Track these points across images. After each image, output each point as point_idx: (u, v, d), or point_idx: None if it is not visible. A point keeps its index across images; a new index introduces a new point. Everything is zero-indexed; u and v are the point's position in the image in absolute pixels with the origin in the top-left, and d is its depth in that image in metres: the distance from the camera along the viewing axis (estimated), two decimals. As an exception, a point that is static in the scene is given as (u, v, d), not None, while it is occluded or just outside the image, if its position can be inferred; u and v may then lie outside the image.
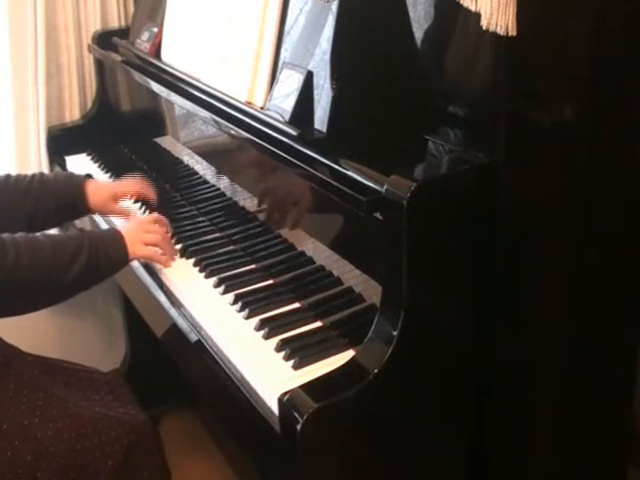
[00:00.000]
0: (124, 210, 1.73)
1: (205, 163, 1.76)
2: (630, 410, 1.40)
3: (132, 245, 1.48)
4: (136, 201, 1.81)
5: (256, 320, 1.34)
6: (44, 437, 1.40)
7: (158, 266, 1.56)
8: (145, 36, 1.96)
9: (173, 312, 1.48)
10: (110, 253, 1.45)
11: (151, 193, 1.74)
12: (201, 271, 1.52)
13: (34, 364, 1.54)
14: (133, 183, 1.76)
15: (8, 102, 2.21)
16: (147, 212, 1.78)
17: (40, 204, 1.64)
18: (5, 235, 1.38)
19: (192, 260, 1.56)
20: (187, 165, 1.86)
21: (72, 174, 1.80)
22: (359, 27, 1.30)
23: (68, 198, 1.67)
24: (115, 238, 1.48)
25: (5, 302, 1.38)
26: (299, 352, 1.24)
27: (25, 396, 1.42)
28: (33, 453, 1.38)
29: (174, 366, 1.60)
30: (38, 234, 1.45)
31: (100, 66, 2.23)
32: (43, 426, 1.41)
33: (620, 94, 1.20)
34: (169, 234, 1.61)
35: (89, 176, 1.77)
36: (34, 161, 2.23)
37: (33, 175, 1.70)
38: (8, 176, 1.68)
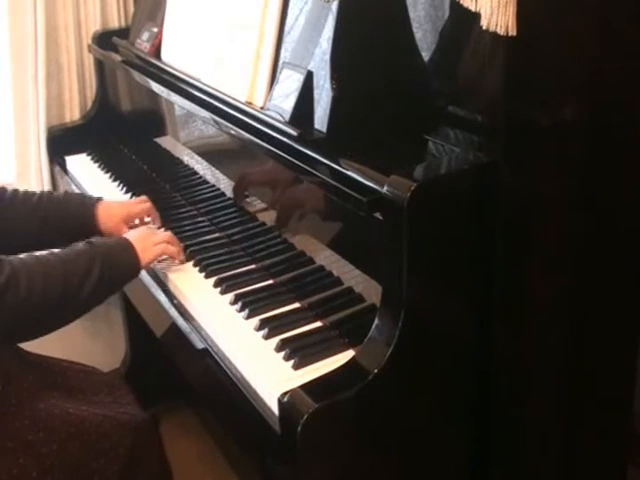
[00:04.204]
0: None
1: (205, 163, 1.76)
2: (630, 410, 1.40)
3: (143, 251, 1.46)
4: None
5: (256, 320, 1.34)
6: (49, 452, 1.39)
7: (158, 266, 1.56)
8: (145, 36, 1.97)
9: (173, 312, 1.48)
10: (122, 265, 1.44)
11: (156, 216, 1.72)
12: (201, 271, 1.52)
13: (33, 371, 1.53)
14: (145, 208, 1.71)
15: (8, 102, 2.21)
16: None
17: (48, 225, 1.62)
18: (15, 259, 1.35)
19: (192, 260, 1.56)
20: (187, 165, 1.86)
21: (83, 196, 1.75)
22: (359, 27, 1.30)
23: (78, 222, 1.64)
24: (125, 248, 1.45)
25: (23, 327, 1.36)
26: (299, 352, 1.24)
27: (27, 410, 1.41)
28: (38, 469, 1.37)
29: (174, 366, 1.60)
30: (47, 253, 1.42)
31: (100, 66, 2.24)
32: (47, 440, 1.39)
33: (620, 94, 1.20)
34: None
35: (99, 198, 1.73)
36: (34, 161, 2.23)
37: (41, 193, 1.67)
38: (15, 192, 1.65)
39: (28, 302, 1.32)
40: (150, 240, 1.50)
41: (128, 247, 1.46)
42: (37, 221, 1.62)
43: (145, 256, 1.47)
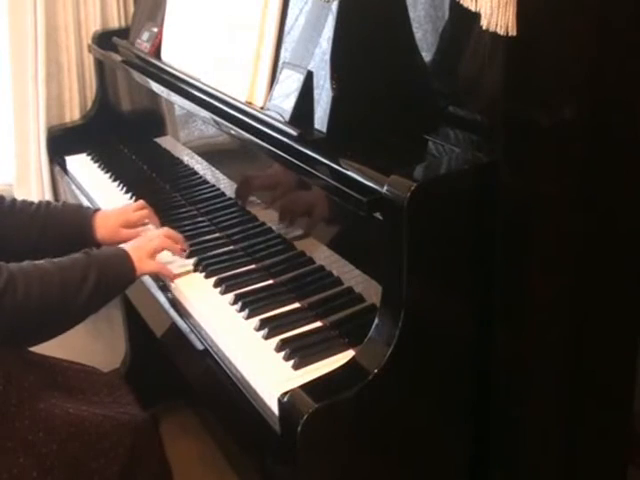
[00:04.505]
0: (133, 234, 1.67)
1: (205, 163, 1.76)
2: (630, 410, 1.40)
3: (139, 261, 1.47)
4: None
5: (256, 320, 1.34)
6: (49, 452, 1.39)
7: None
8: (145, 36, 1.97)
9: (173, 312, 1.48)
10: (118, 274, 1.45)
11: (155, 220, 1.72)
12: (201, 271, 1.52)
13: (34, 370, 1.52)
14: (143, 215, 1.70)
15: (8, 102, 2.21)
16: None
17: (46, 234, 1.63)
18: (13, 266, 1.37)
19: (192, 260, 1.56)
20: (187, 165, 1.86)
21: (80, 207, 1.76)
22: (359, 27, 1.30)
23: (75, 232, 1.65)
24: (121, 258, 1.47)
25: (21, 331, 1.37)
26: (299, 352, 1.24)
27: (27, 410, 1.41)
28: (38, 468, 1.37)
29: (174, 366, 1.60)
30: (44, 261, 1.43)
31: (100, 66, 2.23)
32: (47, 440, 1.39)
33: (620, 94, 1.20)
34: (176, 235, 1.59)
35: (97, 209, 1.73)
36: (34, 161, 2.23)
37: (39, 203, 1.68)
38: (13, 201, 1.66)
39: (26, 306, 1.34)
40: (145, 250, 1.51)
41: (124, 256, 1.47)
42: (36, 230, 1.63)
43: (141, 266, 1.48)
